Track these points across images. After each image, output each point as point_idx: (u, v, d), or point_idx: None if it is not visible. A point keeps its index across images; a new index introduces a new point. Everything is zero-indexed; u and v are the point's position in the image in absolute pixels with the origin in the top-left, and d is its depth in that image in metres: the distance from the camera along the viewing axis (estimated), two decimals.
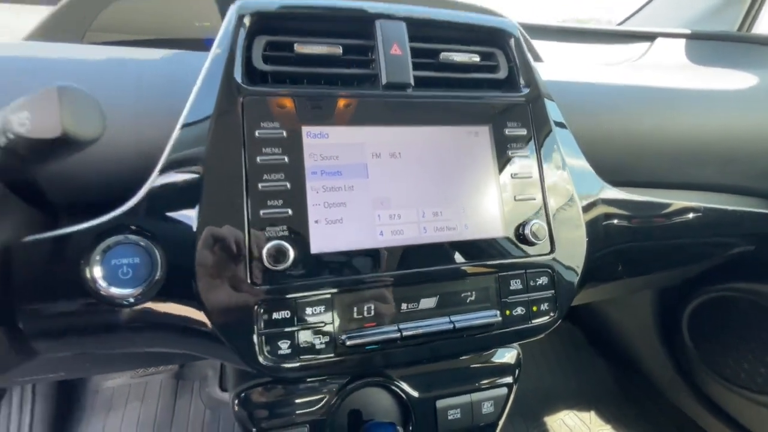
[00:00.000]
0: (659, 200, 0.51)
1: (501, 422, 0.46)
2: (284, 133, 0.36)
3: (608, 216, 0.47)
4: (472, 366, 0.46)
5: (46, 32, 0.57)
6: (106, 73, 0.40)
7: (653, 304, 1.01)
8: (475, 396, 0.44)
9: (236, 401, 0.40)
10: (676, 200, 0.55)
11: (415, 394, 0.43)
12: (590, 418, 1.09)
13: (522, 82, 0.45)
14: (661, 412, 1.07)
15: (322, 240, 0.36)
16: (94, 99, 0.24)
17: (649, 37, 0.84)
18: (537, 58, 0.75)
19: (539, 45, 0.76)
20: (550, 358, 1.24)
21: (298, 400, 0.40)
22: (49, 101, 0.22)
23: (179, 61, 0.44)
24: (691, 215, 0.55)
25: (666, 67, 0.76)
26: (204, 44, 0.73)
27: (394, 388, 0.43)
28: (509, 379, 0.47)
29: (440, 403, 0.43)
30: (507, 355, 0.47)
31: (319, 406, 0.41)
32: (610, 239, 0.47)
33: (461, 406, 0.44)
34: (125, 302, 0.32)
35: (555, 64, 0.68)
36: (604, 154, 0.54)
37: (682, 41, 0.83)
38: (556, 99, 0.47)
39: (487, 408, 0.45)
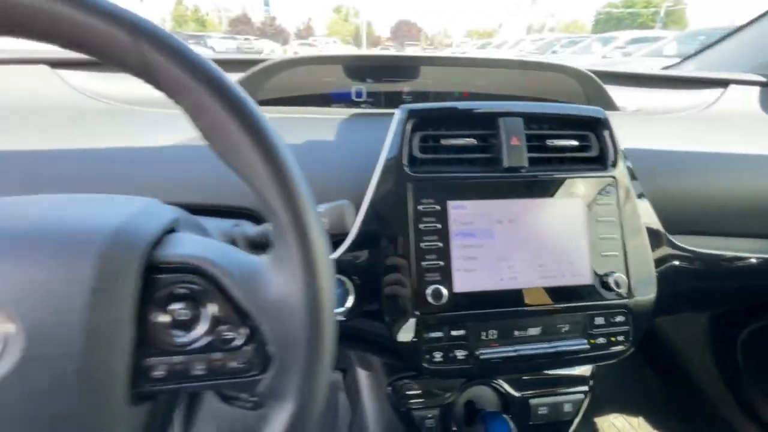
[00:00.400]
0: (723, 253, 0.62)
1: (577, 420, 0.60)
2: (437, 207, 0.51)
3: (676, 266, 0.59)
4: (559, 376, 0.60)
5: None
6: (314, 153, 0.57)
7: (708, 324, 1.09)
8: (559, 398, 0.59)
9: (390, 388, 0.57)
10: (740, 246, 0.64)
11: (515, 393, 0.58)
12: (638, 422, 1.19)
13: (610, 160, 0.57)
14: (708, 423, 1.15)
15: (462, 284, 0.51)
16: (354, 207, 0.40)
17: (721, 83, 0.91)
18: (612, 107, 0.86)
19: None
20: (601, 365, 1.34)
21: (433, 390, 0.57)
22: (339, 212, 0.39)
23: (354, 144, 0.60)
24: (752, 262, 0.64)
25: (739, 118, 0.83)
26: (331, 96, 0.90)
27: (498, 387, 0.58)
28: (585, 388, 0.61)
29: (533, 401, 0.58)
30: (584, 369, 0.61)
31: (447, 395, 0.57)
32: (677, 284, 0.59)
33: (548, 405, 0.58)
34: (339, 319, 0.50)
35: (632, 124, 0.78)
36: (673, 210, 0.64)
37: (757, 89, 0.89)
38: (634, 163, 0.59)
39: (567, 408, 0.59)
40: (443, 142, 0.54)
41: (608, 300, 0.53)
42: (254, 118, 0.27)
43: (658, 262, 0.57)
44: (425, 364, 0.49)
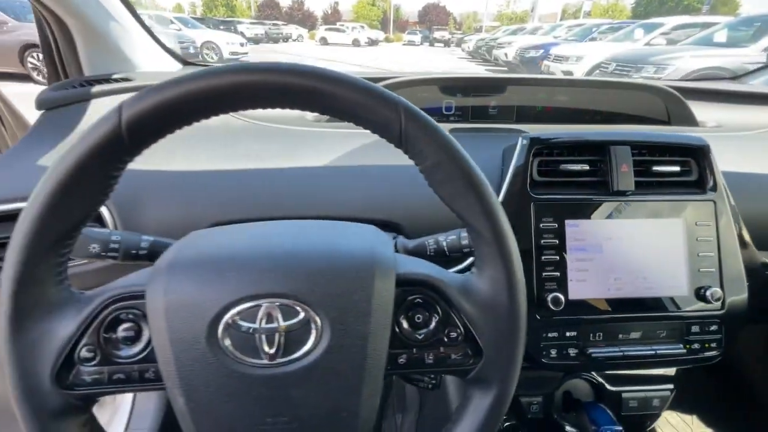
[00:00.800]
0: None
1: (662, 412, 0.68)
2: (555, 225, 0.59)
3: (764, 279, 0.65)
4: (649, 374, 0.68)
5: None
6: None
7: (765, 328, 1.12)
8: (649, 394, 0.67)
9: None
10: None
11: (610, 387, 0.67)
12: (692, 420, 1.25)
13: (709, 184, 0.63)
14: (761, 424, 1.19)
15: (576, 292, 0.59)
16: None
17: None
18: (694, 123, 0.90)
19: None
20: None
21: (537, 381, 0.66)
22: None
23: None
24: None
25: None
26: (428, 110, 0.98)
27: (593, 380, 0.67)
28: (671, 386, 0.68)
29: (625, 395, 0.66)
30: (671, 370, 0.69)
31: (550, 385, 0.66)
32: (764, 297, 0.65)
33: (638, 399, 0.66)
34: None
35: (718, 142, 0.82)
36: (758, 228, 0.70)
37: None
38: (729, 185, 0.64)
39: (656, 402, 0.67)
40: (562, 167, 0.61)
41: (704, 311, 0.60)
42: (476, 174, 0.35)
43: (750, 276, 0.63)
44: (543, 359, 0.58)
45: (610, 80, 0.95)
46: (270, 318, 0.33)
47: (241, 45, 10.85)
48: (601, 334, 0.59)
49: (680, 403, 1.29)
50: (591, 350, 0.58)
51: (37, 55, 6.36)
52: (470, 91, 0.95)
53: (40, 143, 0.61)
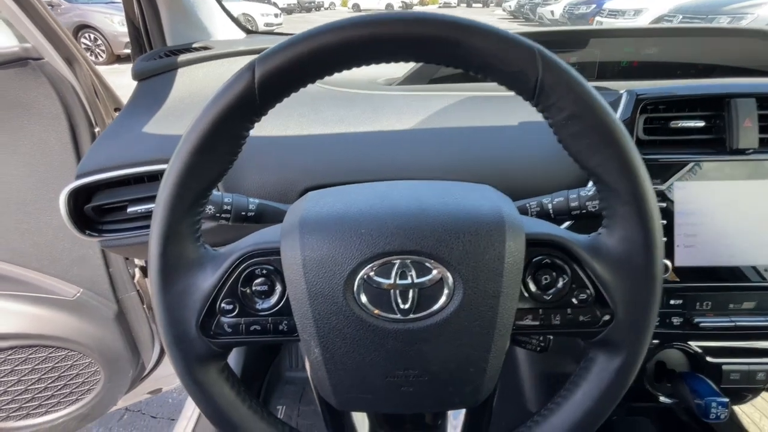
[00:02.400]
0: None
1: (765, 386, 0.64)
2: (662, 187, 0.55)
3: None
4: (751, 346, 0.63)
5: (410, 80, 0.82)
6: (521, 133, 0.63)
7: None
8: (753, 367, 0.63)
9: None
10: None
11: (709, 359, 0.63)
12: (758, 401, 1.18)
13: None
14: None
15: (683, 258, 0.55)
16: None
17: None
18: None
19: None
20: None
21: None
22: None
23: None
24: None
25: None
26: None
27: (689, 350, 0.64)
28: None
29: (725, 367, 0.63)
30: None
31: None
32: None
33: (740, 372, 0.63)
34: None
35: None
36: None
37: None
38: None
39: (761, 376, 0.63)
40: (672, 125, 0.56)
41: None
42: (618, 127, 0.33)
43: None
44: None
45: (709, 27, 0.85)
46: (404, 274, 0.34)
47: (276, 16, 10.78)
48: (710, 303, 0.56)
49: None
50: (698, 319, 0.55)
51: (90, 35, 6.68)
52: (548, 45, 0.88)
53: (141, 112, 0.64)
